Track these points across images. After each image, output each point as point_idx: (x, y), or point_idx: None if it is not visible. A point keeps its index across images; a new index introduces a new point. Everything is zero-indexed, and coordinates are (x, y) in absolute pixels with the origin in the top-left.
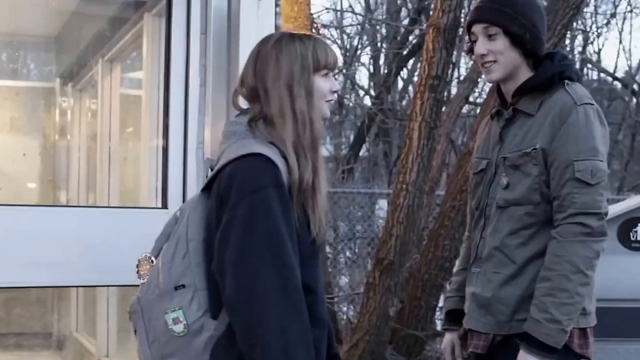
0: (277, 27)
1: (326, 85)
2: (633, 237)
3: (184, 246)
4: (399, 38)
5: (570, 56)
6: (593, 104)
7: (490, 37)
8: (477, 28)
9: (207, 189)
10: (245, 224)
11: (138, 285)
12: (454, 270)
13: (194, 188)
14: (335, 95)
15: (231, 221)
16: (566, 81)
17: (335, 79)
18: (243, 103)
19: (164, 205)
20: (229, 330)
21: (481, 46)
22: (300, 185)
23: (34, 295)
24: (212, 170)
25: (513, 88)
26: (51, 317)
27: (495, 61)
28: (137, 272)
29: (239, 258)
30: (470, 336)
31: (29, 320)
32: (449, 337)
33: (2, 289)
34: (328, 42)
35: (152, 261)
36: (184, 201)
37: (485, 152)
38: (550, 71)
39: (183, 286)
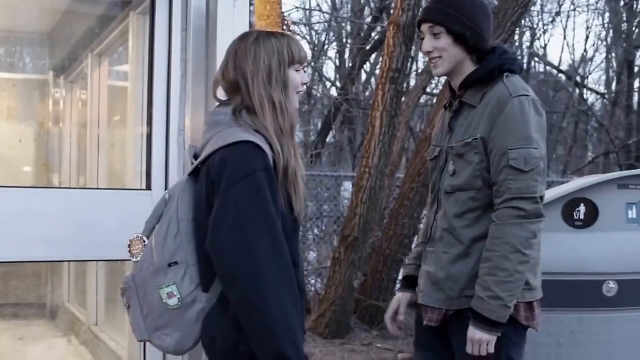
0: (251, 25)
1: (298, 78)
2: (576, 216)
3: (175, 226)
4: (362, 34)
5: (511, 50)
6: (529, 95)
7: (435, 35)
8: (424, 27)
9: (194, 173)
10: (239, 206)
11: (125, 260)
12: (415, 243)
13: (176, 171)
14: (305, 87)
15: (225, 203)
16: (506, 74)
17: (305, 72)
18: (222, 95)
19: (148, 187)
20: (219, 302)
21: (427, 44)
22: (286, 169)
23: (30, 269)
24: (195, 156)
25: (459, 82)
26: (45, 289)
27: (440, 57)
28: (130, 251)
29: (236, 236)
30: (425, 311)
31: (25, 292)
32: (398, 296)
33: (0, 263)
34: (298, 38)
35: (144, 241)
36: (166, 183)
37: (439, 140)
38: (490, 65)
39: (176, 263)
